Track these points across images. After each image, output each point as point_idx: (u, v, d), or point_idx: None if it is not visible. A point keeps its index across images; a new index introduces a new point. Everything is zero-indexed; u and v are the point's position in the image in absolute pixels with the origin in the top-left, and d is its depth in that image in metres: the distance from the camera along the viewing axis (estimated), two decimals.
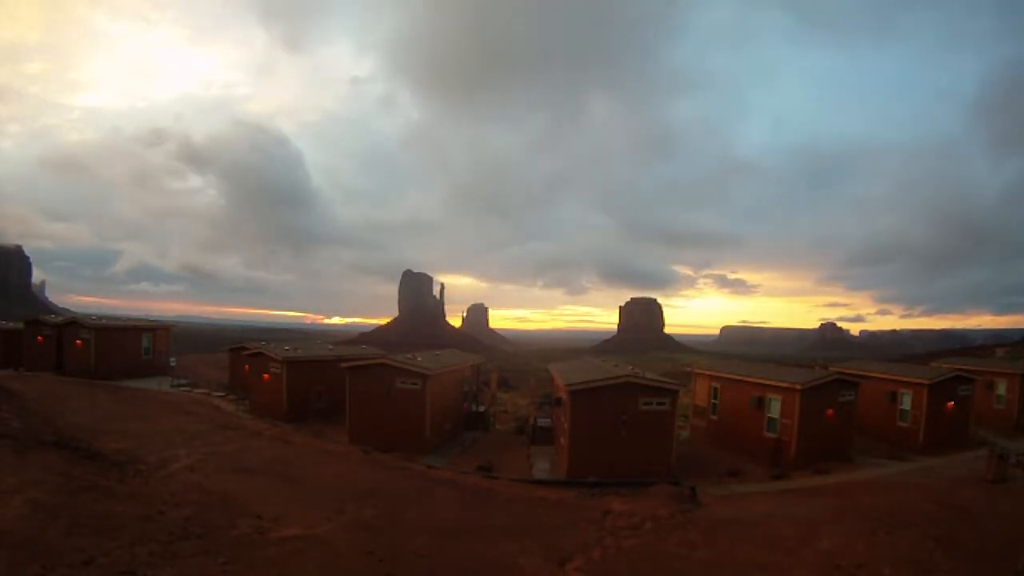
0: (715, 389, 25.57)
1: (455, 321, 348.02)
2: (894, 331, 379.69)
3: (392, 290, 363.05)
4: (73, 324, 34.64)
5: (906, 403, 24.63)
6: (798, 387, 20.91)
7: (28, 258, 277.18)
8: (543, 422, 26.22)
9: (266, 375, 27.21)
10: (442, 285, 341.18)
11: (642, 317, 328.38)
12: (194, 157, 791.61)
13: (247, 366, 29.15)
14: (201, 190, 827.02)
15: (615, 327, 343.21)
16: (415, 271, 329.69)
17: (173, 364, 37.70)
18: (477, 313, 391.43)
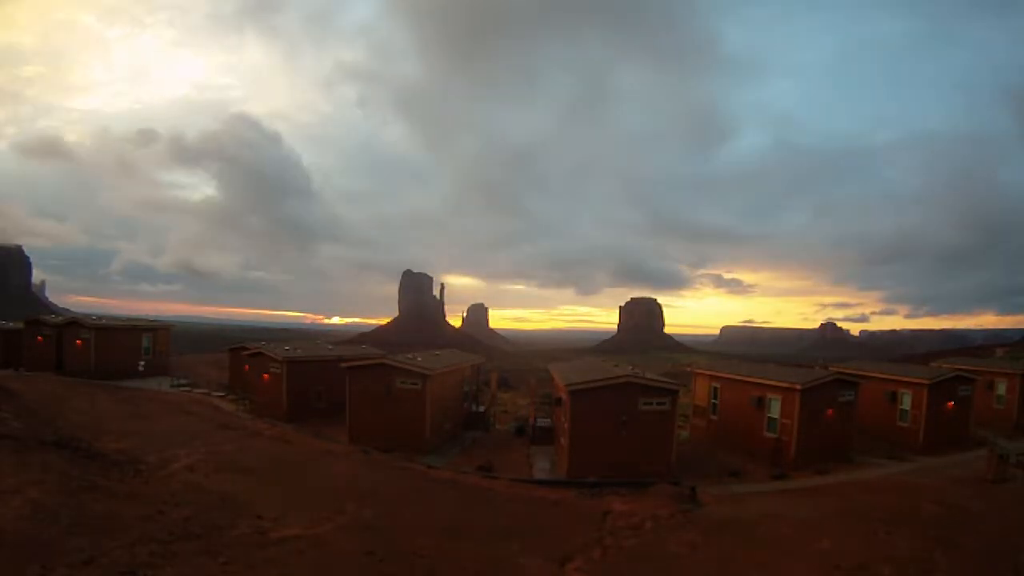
0: (715, 389, 25.57)
1: (455, 321, 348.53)
2: (894, 331, 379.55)
3: (392, 290, 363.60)
4: (73, 324, 34.67)
5: (906, 403, 24.64)
6: (798, 387, 20.92)
7: (28, 258, 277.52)
8: (543, 422, 26.20)
9: (266, 375, 27.21)
10: (442, 285, 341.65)
11: (642, 317, 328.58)
12: (191, 158, 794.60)
13: (247, 366, 29.16)
14: (199, 191, 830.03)
15: (615, 327, 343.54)
16: (415, 271, 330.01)
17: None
18: (477, 313, 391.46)
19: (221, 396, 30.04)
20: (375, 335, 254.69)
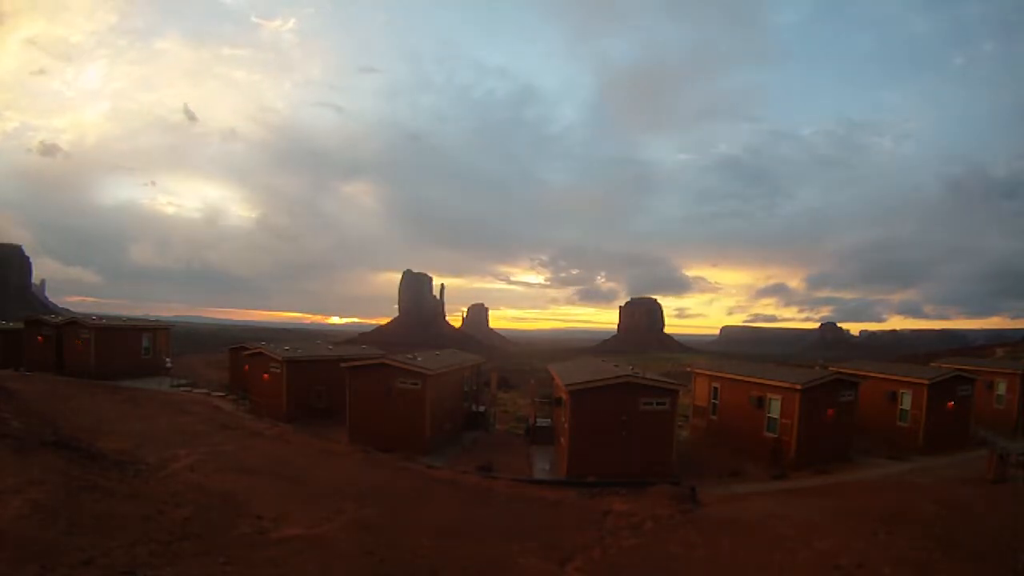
0: (715, 389, 25.56)
1: (455, 321, 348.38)
2: (894, 331, 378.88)
3: (392, 290, 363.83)
4: (73, 324, 34.66)
5: (906, 403, 24.63)
6: (798, 387, 20.91)
7: (28, 258, 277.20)
8: (543, 422, 26.20)
9: (266, 375, 27.20)
10: (442, 285, 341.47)
11: (642, 317, 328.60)
12: (184, 160, 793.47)
13: (247, 366, 29.14)
14: (195, 192, 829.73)
15: (615, 327, 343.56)
16: (415, 271, 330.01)
17: (169, 365, 35.85)
18: (477, 313, 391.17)
19: (221, 396, 30.04)
20: (375, 335, 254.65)
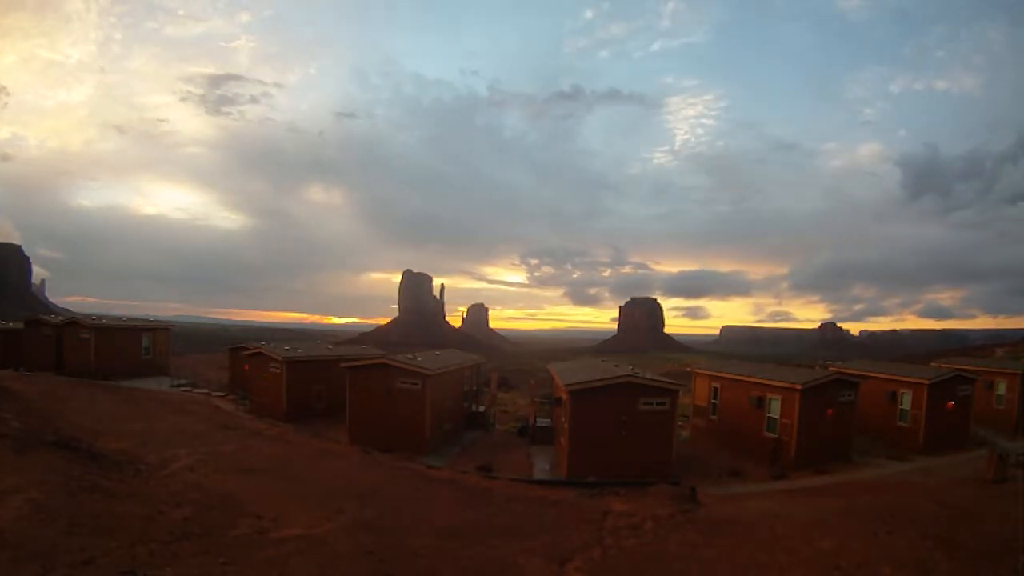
0: (715, 389, 25.57)
1: (455, 321, 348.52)
2: (894, 331, 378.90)
3: (391, 290, 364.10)
4: (73, 324, 34.70)
5: (906, 403, 24.64)
6: (798, 387, 20.92)
7: (28, 258, 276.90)
8: (543, 422, 26.21)
9: (266, 375, 27.21)
10: (442, 285, 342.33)
11: (642, 317, 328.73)
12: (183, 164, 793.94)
13: (247, 366, 29.14)
14: (193, 193, 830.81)
15: (615, 327, 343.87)
16: (415, 271, 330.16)
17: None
18: (477, 313, 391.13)
19: (221, 396, 30.05)
20: (375, 335, 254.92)
